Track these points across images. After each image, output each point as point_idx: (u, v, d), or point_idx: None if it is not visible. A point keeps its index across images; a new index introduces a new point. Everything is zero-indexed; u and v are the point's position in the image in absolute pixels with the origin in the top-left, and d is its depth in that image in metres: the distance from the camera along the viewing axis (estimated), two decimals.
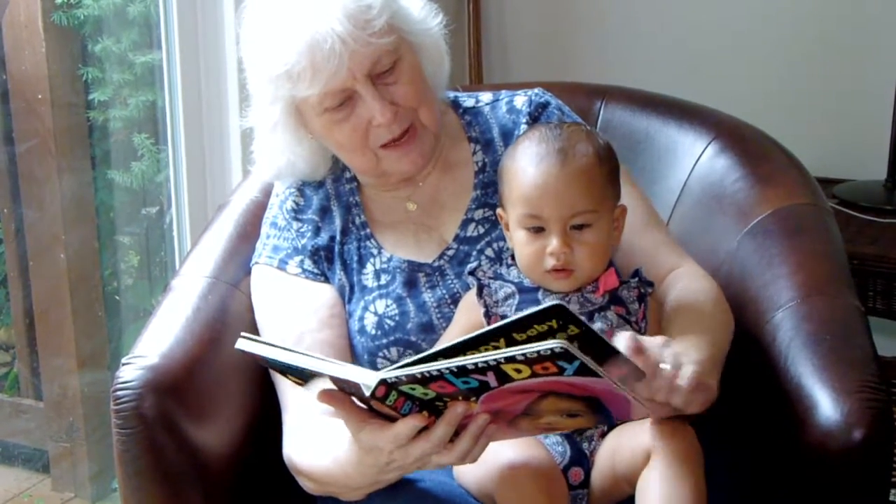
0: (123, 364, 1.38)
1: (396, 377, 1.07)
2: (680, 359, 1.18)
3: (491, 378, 1.05)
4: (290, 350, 1.17)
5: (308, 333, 1.41)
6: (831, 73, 2.42)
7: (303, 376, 1.19)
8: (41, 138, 2.23)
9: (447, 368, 1.04)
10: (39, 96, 2.19)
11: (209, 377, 1.43)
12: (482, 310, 1.33)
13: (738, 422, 1.45)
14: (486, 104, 1.54)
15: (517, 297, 1.33)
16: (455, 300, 1.41)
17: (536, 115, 1.50)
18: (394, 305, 1.42)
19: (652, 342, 1.18)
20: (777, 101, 2.45)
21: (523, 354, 0.99)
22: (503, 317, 1.32)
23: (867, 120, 2.36)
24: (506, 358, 1.01)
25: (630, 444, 1.24)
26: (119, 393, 1.35)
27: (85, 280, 2.35)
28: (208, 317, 1.48)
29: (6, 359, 2.58)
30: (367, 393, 1.08)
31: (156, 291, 2.38)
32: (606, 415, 1.15)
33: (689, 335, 1.28)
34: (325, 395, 1.17)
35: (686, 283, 1.40)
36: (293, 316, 1.44)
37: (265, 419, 1.46)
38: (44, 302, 2.36)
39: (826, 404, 1.26)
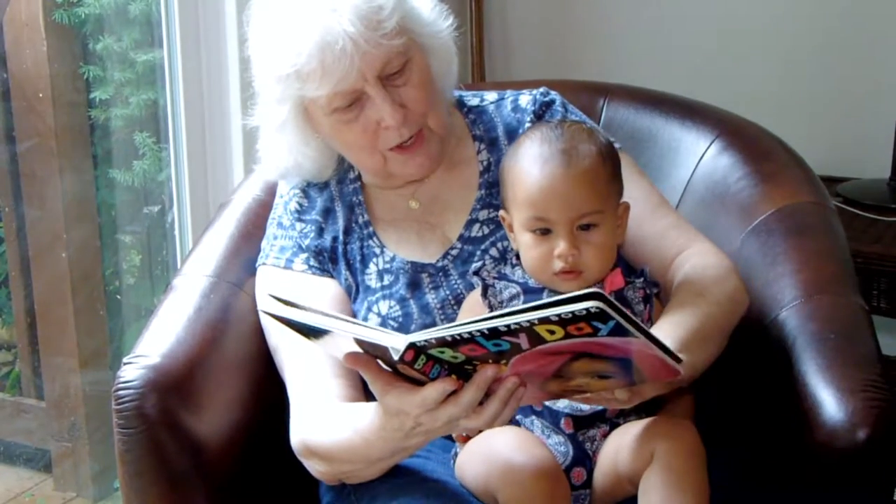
0: (125, 363, 1.38)
1: (426, 340, 1.06)
2: None
3: (523, 340, 1.03)
4: (315, 311, 1.16)
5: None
6: (835, 71, 2.42)
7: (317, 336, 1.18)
8: (42, 137, 2.23)
9: (478, 330, 1.02)
10: (41, 95, 2.19)
11: (210, 376, 1.43)
12: (487, 310, 1.32)
13: (741, 420, 1.45)
14: (491, 103, 1.54)
15: (522, 297, 1.33)
16: (458, 301, 1.41)
17: (541, 114, 1.50)
18: (397, 307, 1.42)
19: None
20: (780, 99, 2.45)
21: (557, 315, 0.98)
22: None
23: (871, 118, 2.36)
24: (539, 319, 0.99)
25: (633, 443, 1.24)
26: (121, 392, 1.35)
27: (86, 279, 2.35)
28: (210, 316, 1.47)
29: (8, 358, 2.58)
30: (396, 357, 1.07)
31: (157, 290, 2.38)
32: (639, 375, 1.13)
33: (670, 314, 1.28)
34: (351, 358, 1.16)
35: (694, 262, 1.39)
36: None
37: (267, 418, 1.46)
38: (45, 301, 2.36)
39: (830, 404, 1.26)
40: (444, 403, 1.13)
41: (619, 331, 1.01)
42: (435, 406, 1.13)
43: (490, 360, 1.09)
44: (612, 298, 0.99)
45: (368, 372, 1.16)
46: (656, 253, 1.41)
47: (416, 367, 1.09)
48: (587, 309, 0.97)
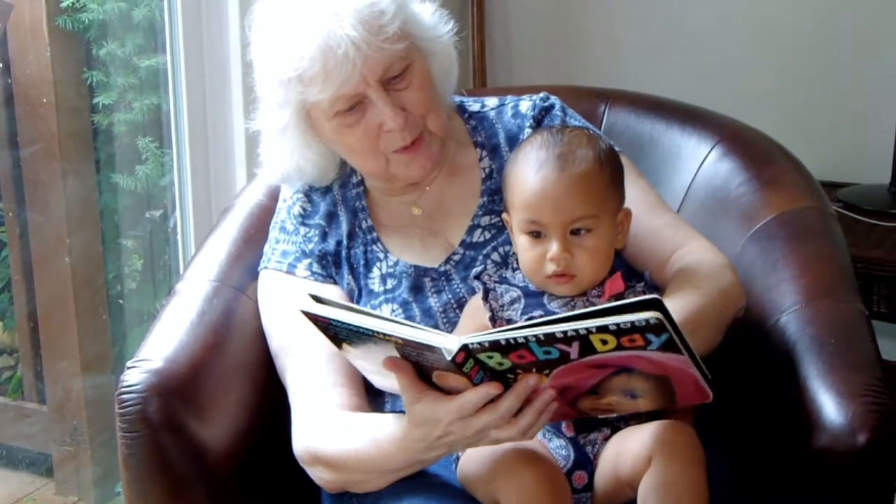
0: (128, 368, 1.38)
1: (479, 342, 1.06)
2: None
3: (574, 349, 1.04)
4: (361, 311, 1.15)
5: (319, 333, 1.41)
6: (835, 76, 2.42)
7: (351, 342, 1.17)
8: (46, 142, 2.23)
9: (534, 336, 1.03)
10: (44, 100, 2.20)
11: (214, 381, 1.43)
12: (488, 314, 1.33)
13: (741, 424, 1.45)
14: (492, 109, 1.55)
15: (523, 300, 1.33)
16: (461, 305, 1.41)
17: (540, 119, 1.50)
18: (400, 310, 1.42)
19: None
20: (781, 104, 2.45)
21: (616, 324, 0.99)
22: (509, 321, 1.32)
23: (871, 124, 2.36)
24: (598, 327, 1.00)
25: (632, 447, 1.24)
26: (124, 396, 1.35)
27: (89, 283, 2.35)
28: (213, 321, 1.48)
29: (10, 362, 2.58)
30: (448, 357, 1.07)
31: (160, 295, 2.38)
32: (671, 397, 1.14)
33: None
34: (390, 362, 1.16)
35: (690, 258, 1.39)
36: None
37: (270, 422, 1.46)
38: (48, 305, 2.36)
39: (830, 408, 1.26)
40: (481, 411, 1.13)
41: (668, 346, 1.01)
42: (472, 412, 1.13)
43: (534, 370, 1.09)
44: (669, 310, 0.99)
45: (405, 377, 1.16)
46: (653, 251, 1.42)
47: (464, 371, 1.09)
48: (647, 320, 0.97)
